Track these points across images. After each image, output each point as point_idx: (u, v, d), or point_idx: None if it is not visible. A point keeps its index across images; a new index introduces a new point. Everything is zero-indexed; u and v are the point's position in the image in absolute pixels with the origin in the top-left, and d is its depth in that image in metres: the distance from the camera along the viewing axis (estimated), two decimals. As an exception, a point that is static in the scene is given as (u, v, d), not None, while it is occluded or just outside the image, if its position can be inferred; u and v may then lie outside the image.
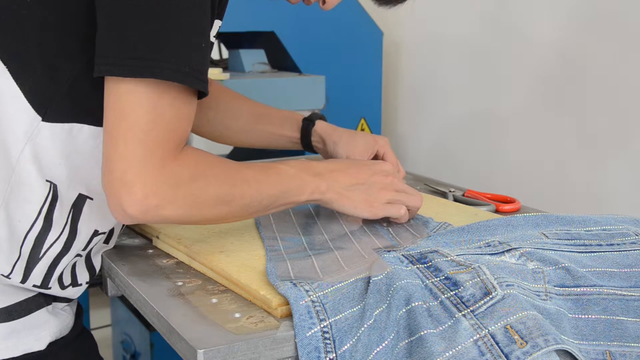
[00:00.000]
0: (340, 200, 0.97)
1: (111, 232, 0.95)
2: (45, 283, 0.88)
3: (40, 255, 0.86)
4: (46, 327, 0.91)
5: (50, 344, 0.91)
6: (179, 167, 0.79)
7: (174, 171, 0.78)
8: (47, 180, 0.84)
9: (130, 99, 0.76)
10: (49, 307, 0.91)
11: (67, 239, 0.88)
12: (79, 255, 0.92)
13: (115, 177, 0.76)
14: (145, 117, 0.76)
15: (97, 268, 0.98)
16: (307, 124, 1.24)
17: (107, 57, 0.76)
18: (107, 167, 0.77)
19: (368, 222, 1.08)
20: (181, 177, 0.79)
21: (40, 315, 0.90)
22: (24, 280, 0.86)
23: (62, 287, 0.92)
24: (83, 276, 0.95)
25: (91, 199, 0.88)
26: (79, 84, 0.82)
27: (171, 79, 0.75)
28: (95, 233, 0.91)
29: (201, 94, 0.81)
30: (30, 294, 0.89)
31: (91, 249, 0.94)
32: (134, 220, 0.78)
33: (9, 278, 0.85)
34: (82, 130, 0.84)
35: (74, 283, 0.94)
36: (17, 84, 0.81)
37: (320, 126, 1.24)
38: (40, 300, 0.90)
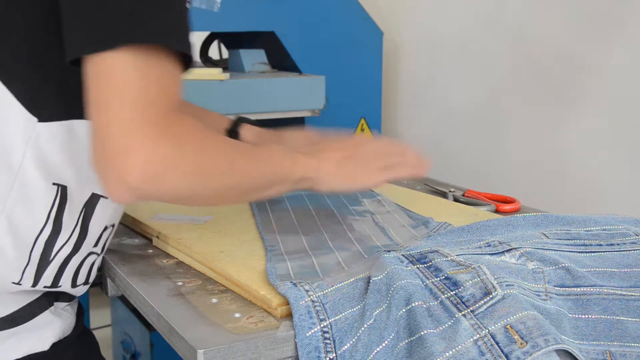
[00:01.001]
0: (335, 178, 0.95)
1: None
2: (55, 283, 0.87)
3: (51, 258, 0.84)
4: (49, 328, 0.89)
5: (54, 345, 0.90)
6: (179, 128, 0.73)
7: (174, 132, 0.72)
8: (54, 184, 0.82)
9: (113, 69, 0.70)
10: (52, 308, 0.90)
11: (78, 239, 0.86)
12: (93, 253, 0.90)
13: (109, 146, 0.69)
14: (133, 80, 0.70)
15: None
16: (233, 134, 1.17)
17: (78, 39, 0.71)
18: (98, 138, 0.70)
19: (368, 222, 1.08)
20: (183, 139, 0.73)
21: (44, 317, 0.89)
22: (35, 284, 0.85)
23: (74, 285, 0.90)
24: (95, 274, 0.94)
25: (106, 197, 0.86)
26: (69, 78, 0.78)
27: (150, 41, 0.71)
28: (105, 228, 0.90)
29: (187, 61, 0.76)
30: (34, 297, 0.87)
31: (104, 245, 0.92)
32: (134, 193, 0.71)
33: (20, 284, 0.84)
34: (83, 126, 0.81)
35: (86, 281, 0.92)
36: (6, 86, 0.78)
37: (248, 134, 1.16)
38: (44, 303, 0.89)
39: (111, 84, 0.70)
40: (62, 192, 0.83)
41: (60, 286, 0.88)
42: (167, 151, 0.71)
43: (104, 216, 0.88)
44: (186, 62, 0.77)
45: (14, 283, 0.83)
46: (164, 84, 0.73)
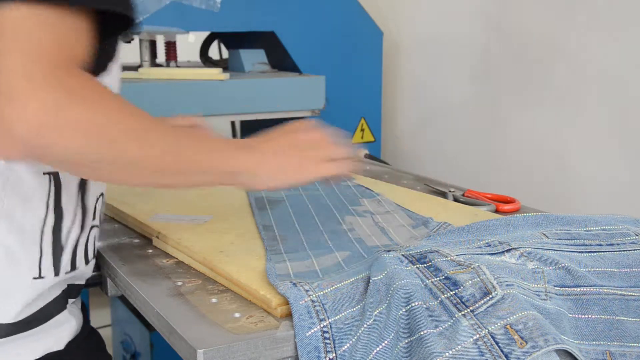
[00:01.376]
0: (276, 174, 0.84)
1: None
2: (73, 265, 0.87)
3: (64, 243, 0.84)
4: (65, 326, 0.90)
5: (68, 343, 0.90)
6: (77, 82, 0.69)
7: (70, 85, 0.68)
8: (45, 173, 0.81)
9: (8, 22, 0.68)
10: (68, 306, 0.90)
11: (82, 218, 0.86)
12: (95, 227, 0.91)
13: None
14: (27, 31, 0.67)
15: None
16: None
17: None
18: None
19: (368, 222, 1.08)
20: (80, 93, 0.69)
21: (61, 316, 0.89)
22: (57, 274, 0.84)
23: (87, 261, 0.91)
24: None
25: None
26: None
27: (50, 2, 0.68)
28: (97, 199, 0.90)
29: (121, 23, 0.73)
30: (51, 298, 0.86)
31: (101, 215, 0.93)
32: (24, 147, 0.67)
33: (42, 277, 0.83)
34: None
35: (94, 255, 0.93)
36: None
37: None
38: (61, 303, 0.88)
39: (5, 35, 0.67)
40: (55, 179, 0.83)
41: (77, 268, 0.88)
42: (59, 101, 0.67)
43: (96, 187, 0.89)
44: (124, 21, 0.73)
45: (35, 279, 0.83)
46: (64, 39, 0.69)
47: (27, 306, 0.83)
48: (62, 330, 0.89)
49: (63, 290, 0.88)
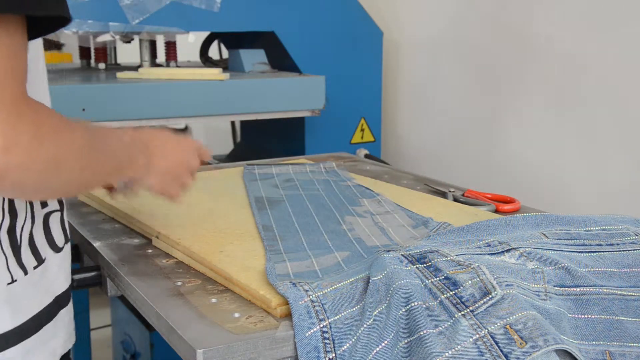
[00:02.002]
0: (152, 182, 0.94)
1: None
2: (39, 259, 0.85)
3: (19, 242, 0.82)
4: (57, 339, 0.88)
5: (62, 357, 0.88)
6: (35, 113, 0.66)
7: (31, 118, 0.66)
8: None
9: None
10: (58, 316, 0.88)
11: (31, 211, 0.84)
12: (54, 212, 0.88)
13: None
14: None
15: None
16: None
17: None
18: None
19: (368, 222, 1.08)
20: (41, 126, 0.66)
21: (51, 327, 0.87)
22: (25, 272, 0.83)
23: (57, 249, 0.88)
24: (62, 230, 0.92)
25: None
26: None
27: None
28: None
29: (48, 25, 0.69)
30: (41, 308, 0.85)
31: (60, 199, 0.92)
32: None
33: (16, 280, 0.82)
34: None
35: (66, 239, 0.91)
36: None
37: None
38: (51, 311, 0.87)
39: None
40: None
41: (45, 258, 0.86)
42: (27, 138, 0.64)
43: None
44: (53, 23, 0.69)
45: (9, 284, 0.82)
46: (15, 62, 0.65)
47: (18, 313, 0.82)
48: (55, 342, 0.87)
49: (50, 304, 0.87)
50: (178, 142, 0.98)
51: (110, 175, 0.85)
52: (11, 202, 0.81)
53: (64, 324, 0.90)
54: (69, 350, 0.92)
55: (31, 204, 0.84)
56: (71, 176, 0.73)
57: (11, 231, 0.82)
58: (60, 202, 0.90)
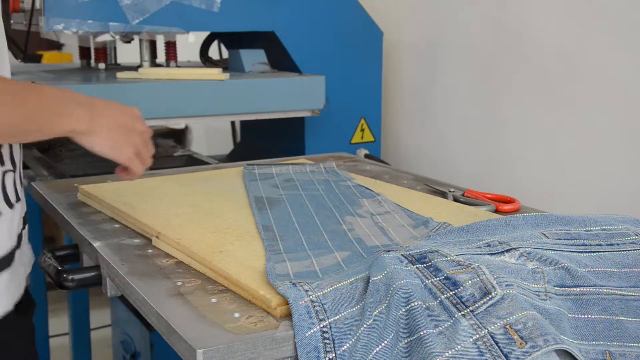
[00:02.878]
0: (100, 138, 0.94)
1: None
2: None
3: None
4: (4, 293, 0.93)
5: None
6: None
7: None
8: None
9: None
10: (10, 268, 0.93)
11: None
12: (8, 171, 0.93)
13: None
14: None
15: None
16: None
17: None
18: None
19: (368, 222, 1.08)
20: None
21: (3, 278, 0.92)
22: None
23: (10, 204, 0.94)
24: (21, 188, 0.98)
25: None
26: None
27: None
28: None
29: None
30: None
31: (13, 160, 0.96)
32: None
33: None
34: None
35: (17, 198, 0.96)
36: None
37: None
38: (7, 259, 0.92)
39: None
40: None
41: (1, 213, 0.92)
42: None
43: None
44: None
45: None
46: None
47: None
48: (10, 291, 0.92)
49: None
50: (122, 106, 1.00)
51: (43, 124, 0.87)
52: None
53: (14, 274, 0.95)
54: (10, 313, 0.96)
55: None
56: None
57: None
58: (13, 163, 0.96)
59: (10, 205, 0.94)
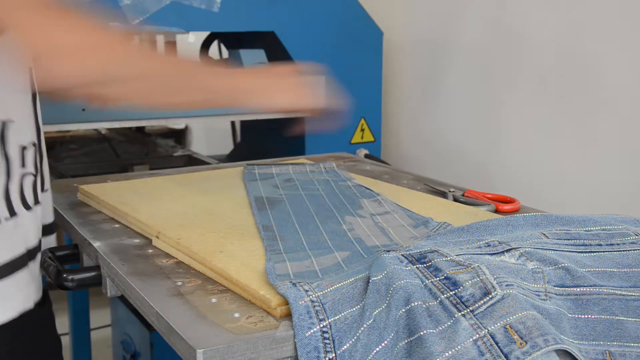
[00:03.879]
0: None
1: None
2: (11, 211, 0.92)
3: None
4: (32, 285, 0.95)
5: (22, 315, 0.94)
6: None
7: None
8: None
9: None
10: (29, 265, 0.95)
11: (6, 167, 0.91)
12: (28, 174, 0.95)
13: None
14: None
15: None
16: None
17: None
18: None
19: (368, 222, 1.08)
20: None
21: (24, 275, 0.93)
22: None
23: (27, 207, 0.96)
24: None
25: (13, 121, 0.92)
26: None
27: None
28: (24, 148, 0.95)
29: None
30: (14, 256, 0.92)
31: (36, 165, 0.98)
32: None
33: None
34: None
35: (36, 201, 0.98)
36: None
37: None
38: (24, 261, 0.94)
39: None
40: None
41: (17, 214, 0.93)
42: None
43: (18, 138, 0.93)
44: None
45: None
46: None
47: None
48: (29, 289, 0.95)
49: (24, 252, 0.94)
50: None
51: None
52: None
53: (33, 275, 0.97)
54: (40, 301, 1.00)
55: (6, 160, 0.92)
56: None
57: None
58: (36, 168, 0.98)
59: (27, 207, 0.96)
